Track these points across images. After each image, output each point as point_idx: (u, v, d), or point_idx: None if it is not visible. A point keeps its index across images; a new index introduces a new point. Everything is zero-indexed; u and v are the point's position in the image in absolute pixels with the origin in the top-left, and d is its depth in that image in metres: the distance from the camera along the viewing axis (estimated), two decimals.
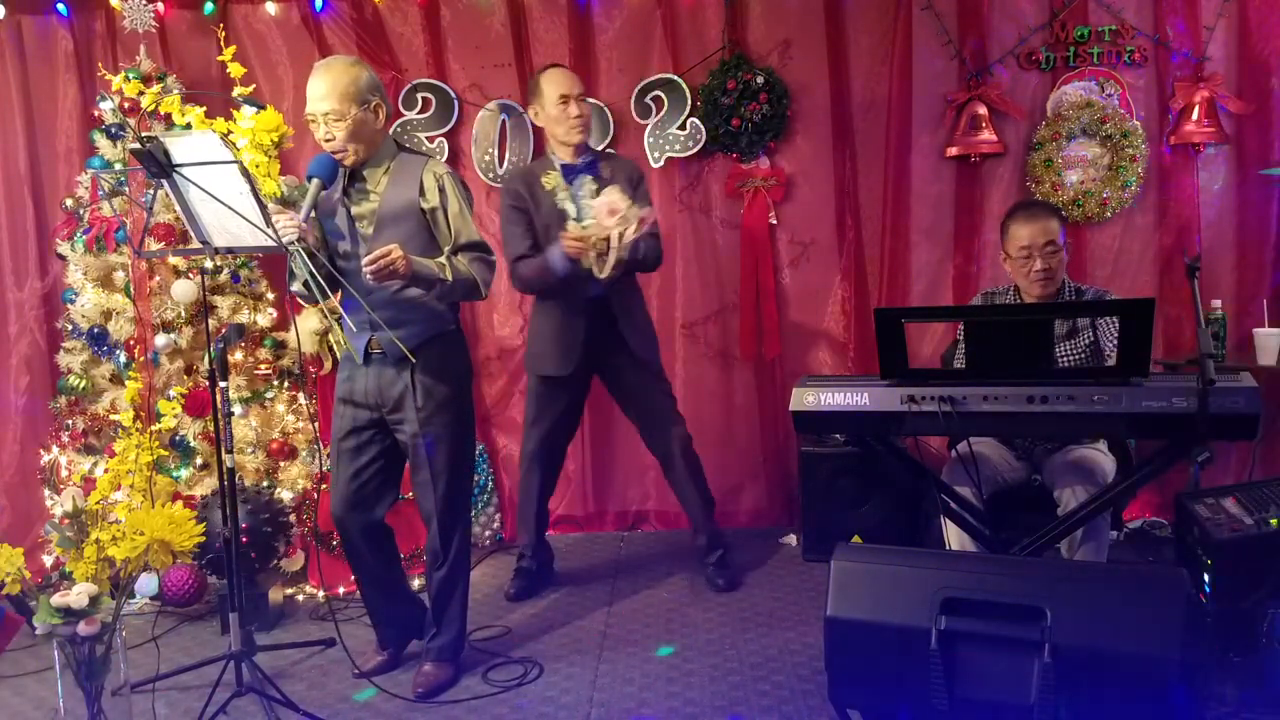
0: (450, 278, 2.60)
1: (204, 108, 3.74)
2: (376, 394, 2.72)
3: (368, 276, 2.46)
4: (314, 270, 2.46)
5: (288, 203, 3.58)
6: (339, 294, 2.74)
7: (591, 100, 4.04)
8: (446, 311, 2.75)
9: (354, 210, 2.66)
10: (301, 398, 3.77)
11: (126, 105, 3.64)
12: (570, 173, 3.30)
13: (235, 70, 3.74)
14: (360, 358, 2.71)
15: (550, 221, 3.25)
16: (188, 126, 3.61)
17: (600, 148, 4.06)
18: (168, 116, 3.65)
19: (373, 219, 2.64)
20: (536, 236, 3.28)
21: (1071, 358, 2.94)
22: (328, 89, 2.55)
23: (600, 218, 3.08)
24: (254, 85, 3.96)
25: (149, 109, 3.60)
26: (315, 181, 2.51)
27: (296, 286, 2.69)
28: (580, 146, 3.32)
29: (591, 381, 3.53)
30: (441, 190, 2.65)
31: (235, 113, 3.69)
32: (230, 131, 3.60)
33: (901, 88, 4.00)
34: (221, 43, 3.80)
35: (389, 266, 2.45)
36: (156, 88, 3.64)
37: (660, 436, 3.44)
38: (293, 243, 2.43)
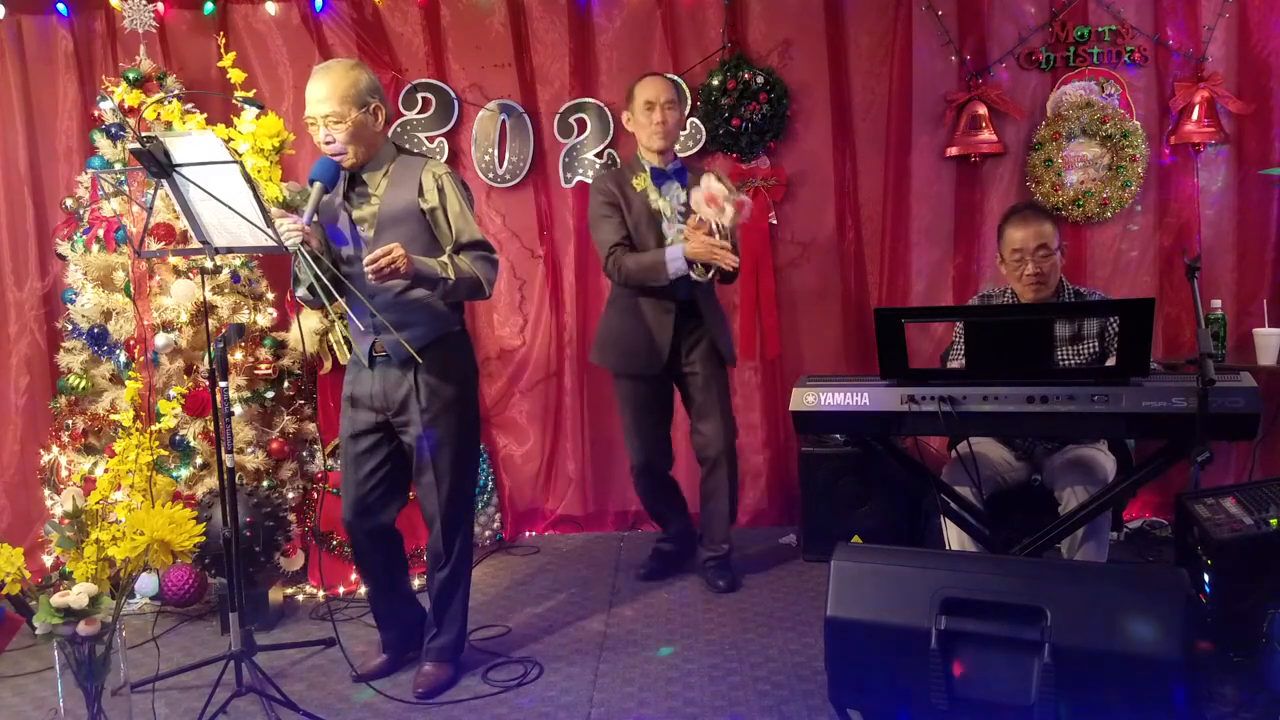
0: (453, 276, 2.59)
1: (204, 114, 3.74)
2: (382, 397, 2.72)
3: (370, 277, 2.46)
4: (319, 273, 2.46)
5: (290, 207, 3.58)
6: (345, 298, 2.74)
7: (591, 100, 4.06)
8: (451, 313, 2.74)
9: (355, 214, 2.65)
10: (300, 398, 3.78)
11: (126, 107, 3.64)
12: (659, 177, 3.35)
13: (236, 76, 3.73)
14: (366, 360, 2.71)
15: (640, 221, 3.30)
16: (187, 131, 3.61)
17: (599, 149, 4.06)
18: (168, 125, 3.65)
19: (374, 221, 2.64)
20: (629, 233, 3.32)
21: (1075, 362, 2.94)
22: (328, 91, 2.54)
23: (699, 207, 3.09)
24: (254, 88, 3.97)
25: (149, 118, 3.60)
26: (317, 185, 2.50)
27: (302, 291, 2.69)
28: (666, 152, 3.35)
29: (673, 386, 3.53)
30: (441, 190, 2.65)
31: (235, 118, 3.69)
32: (230, 139, 3.60)
33: (901, 88, 4.01)
34: (222, 48, 3.80)
35: (390, 266, 2.44)
36: (159, 95, 3.64)
37: (714, 434, 3.42)
38: (297, 246, 2.43)
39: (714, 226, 3.08)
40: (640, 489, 3.61)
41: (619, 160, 4.07)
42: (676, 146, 4.01)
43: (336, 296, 2.57)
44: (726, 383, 3.48)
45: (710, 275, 3.19)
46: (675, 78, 4.00)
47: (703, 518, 3.55)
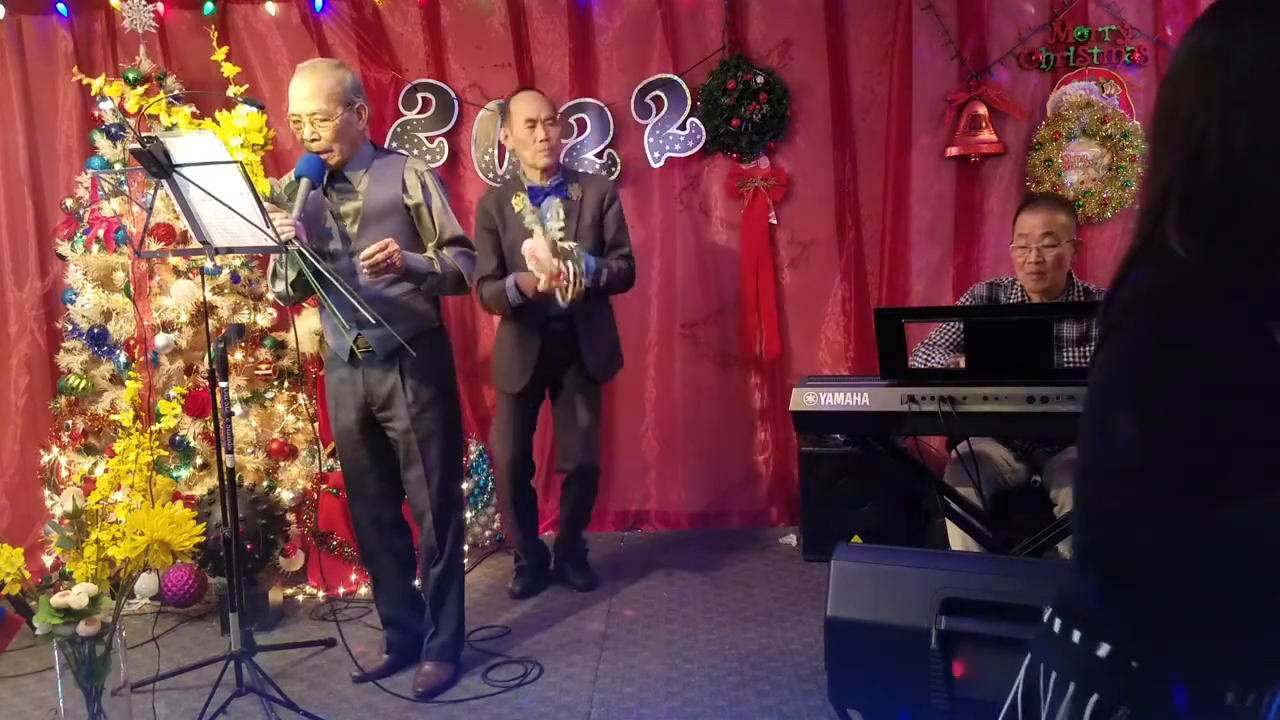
0: (440, 270, 2.64)
1: (191, 107, 3.74)
2: (365, 392, 2.74)
3: (364, 270, 2.48)
4: (319, 270, 2.47)
5: (276, 202, 3.58)
6: (331, 294, 2.74)
7: (591, 100, 4.06)
8: (431, 309, 2.78)
9: (338, 210, 2.68)
10: (301, 397, 3.77)
11: (103, 95, 3.64)
12: (537, 195, 3.29)
13: (229, 70, 3.72)
14: (347, 356, 2.72)
15: (516, 243, 3.24)
16: (173, 127, 3.61)
17: (599, 149, 4.06)
18: (153, 118, 3.65)
19: (357, 217, 2.67)
20: (503, 257, 3.30)
21: (1083, 364, 2.92)
22: (314, 89, 2.56)
23: (526, 255, 3.06)
24: (247, 85, 3.97)
25: (139, 111, 3.60)
26: (305, 181, 2.52)
27: (281, 288, 2.71)
28: (550, 169, 3.30)
29: (545, 394, 3.51)
30: (424, 187, 2.69)
31: (222, 114, 3.69)
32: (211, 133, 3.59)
33: (901, 88, 4.00)
34: (214, 42, 3.78)
35: (386, 260, 2.46)
36: (140, 89, 3.63)
37: (569, 448, 3.42)
38: (291, 242, 2.44)
39: (563, 275, 3.02)
40: (508, 491, 3.52)
41: (619, 160, 4.07)
42: (677, 146, 4.05)
43: (325, 292, 2.56)
44: (593, 398, 3.42)
45: (570, 299, 3.06)
46: (675, 77, 4.01)
47: (561, 527, 3.61)
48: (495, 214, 3.32)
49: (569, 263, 3.02)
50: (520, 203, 3.29)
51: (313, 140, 2.59)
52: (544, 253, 3.00)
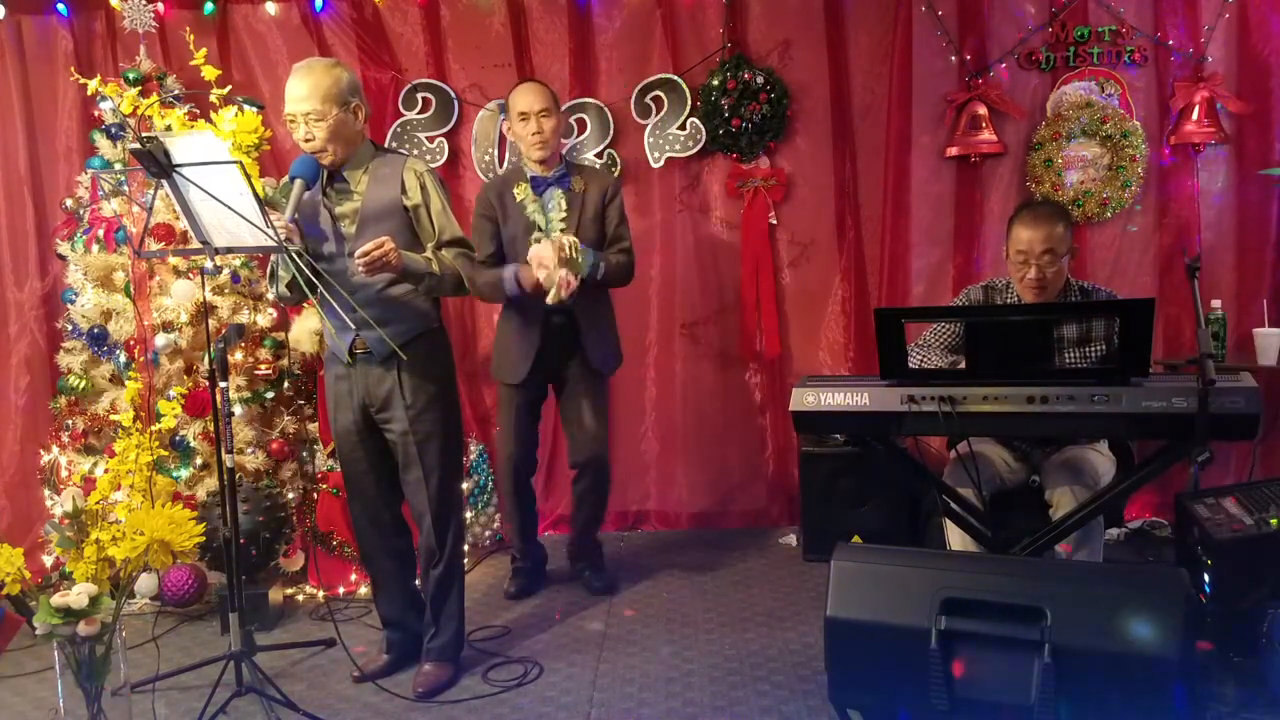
0: (438, 271, 2.63)
1: (191, 106, 3.73)
2: (364, 393, 2.74)
3: (360, 270, 2.47)
4: (315, 270, 2.46)
5: (271, 204, 3.58)
6: (317, 295, 2.74)
7: (591, 100, 4.06)
8: (430, 310, 2.77)
9: (336, 210, 2.67)
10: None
11: (109, 100, 3.64)
12: (540, 185, 3.29)
13: (209, 73, 3.68)
14: (345, 357, 2.72)
15: (518, 233, 3.25)
16: (168, 129, 3.61)
17: (599, 149, 4.06)
18: (149, 119, 3.65)
19: (355, 218, 2.66)
20: (501, 245, 3.29)
21: (1083, 365, 2.91)
22: (309, 89, 2.55)
23: (530, 258, 3.06)
24: (254, 87, 3.98)
25: (126, 111, 3.59)
26: (299, 182, 2.52)
27: (280, 289, 2.71)
28: (550, 160, 3.30)
29: (549, 390, 3.51)
30: (423, 188, 2.68)
31: (215, 115, 3.69)
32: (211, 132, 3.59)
33: (901, 88, 4.00)
34: (191, 45, 3.74)
35: (383, 259, 2.46)
36: (136, 90, 3.63)
37: (580, 440, 3.41)
38: (290, 245, 2.44)
39: (556, 277, 3.03)
40: (509, 487, 3.52)
41: (619, 160, 4.08)
42: (677, 146, 4.05)
43: (324, 293, 2.56)
44: (599, 390, 3.42)
45: (564, 299, 3.07)
46: (675, 77, 4.01)
47: (573, 522, 3.59)
48: (496, 202, 3.31)
49: (572, 269, 3.02)
50: (523, 192, 3.28)
51: (307, 140, 2.58)
52: (551, 261, 3.01)
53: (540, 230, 3.24)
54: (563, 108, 4.06)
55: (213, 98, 3.69)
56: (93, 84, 3.63)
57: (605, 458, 3.46)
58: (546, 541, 3.81)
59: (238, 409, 3.60)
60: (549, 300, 3.07)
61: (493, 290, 3.25)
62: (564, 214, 3.26)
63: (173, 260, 3.59)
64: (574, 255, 3.04)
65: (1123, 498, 2.76)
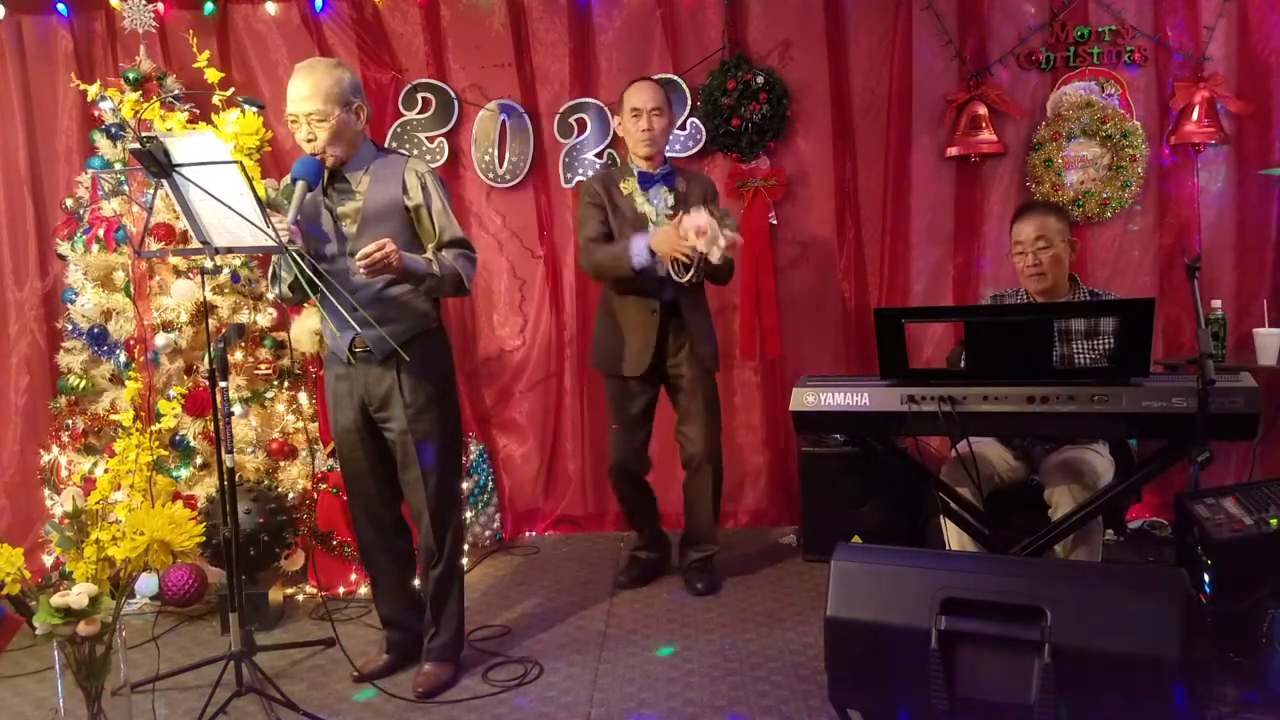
0: (439, 271, 2.63)
1: (191, 107, 3.74)
2: (364, 393, 2.74)
3: (360, 270, 2.48)
4: (314, 272, 2.46)
5: (272, 205, 3.58)
6: (318, 296, 2.74)
7: (591, 100, 4.06)
8: (430, 309, 2.77)
9: (337, 210, 2.67)
10: (302, 397, 3.77)
11: (109, 100, 3.64)
12: (647, 181, 3.35)
13: (212, 75, 3.70)
14: (345, 356, 2.72)
15: (626, 224, 3.30)
16: (168, 131, 3.61)
17: (599, 149, 4.06)
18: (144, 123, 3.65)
19: (356, 217, 2.66)
20: (611, 234, 3.32)
21: (1088, 356, 2.94)
22: (311, 90, 2.55)
23: (688, 234, 3.07)
24: (255, 87, 3.97)
25: (127, 115, 3.59)
26: (301, 184, 2.51)
27: (282, 289, 2.71)
28: (652, 158, 3.34)
29: (659, 388, 3.51)
30: (424, 188, 2.68)
31: (216, 117, 3.69)
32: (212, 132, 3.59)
33: (901, 88, 4.01)
34: (194, 46, 3.76)
35: (383, 260, 2.46)
36: (135, 94, 3.63)
37: (696, 437, 3.42)
38: (292, 244, 2.44)
39: (696, 250, 3.05)
40: (617, 490, 3.59)
41: (619, 160, 4.08)
42: (677, 146, 4.05)
43: (325, 293, 2.57)
44: (713, 386, 3.45)
45: (689, 278, 3.15)
46: (675, 77, 4.01)
47: (686, 519, 3.56)
48: (604, 193, 3.35)
49: (730, 232, 3.04)
50: (630, 186, 3.34)
51: (309, 141, 2.58)
52: (710, 225, 3.01)
53: (652, 223, 3.29)
54: (563, 107, 4.08)
55: (215, 99, 3.70)
56: (93, 89, 3.63)
57: (719, 455, 3.46)
58: (551, 540, 3.81)
59: (238, 409, 3.60)
60: (681, 279, 3.12)
61: (615, 263, 3.23)
62: (670, 210, 3.30)
63: (173, 260, 3.59)
64: (719, 215, 3.07)
65: (1123, 498, 2.76)
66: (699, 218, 3.04)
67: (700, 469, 3.44)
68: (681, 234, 3.06)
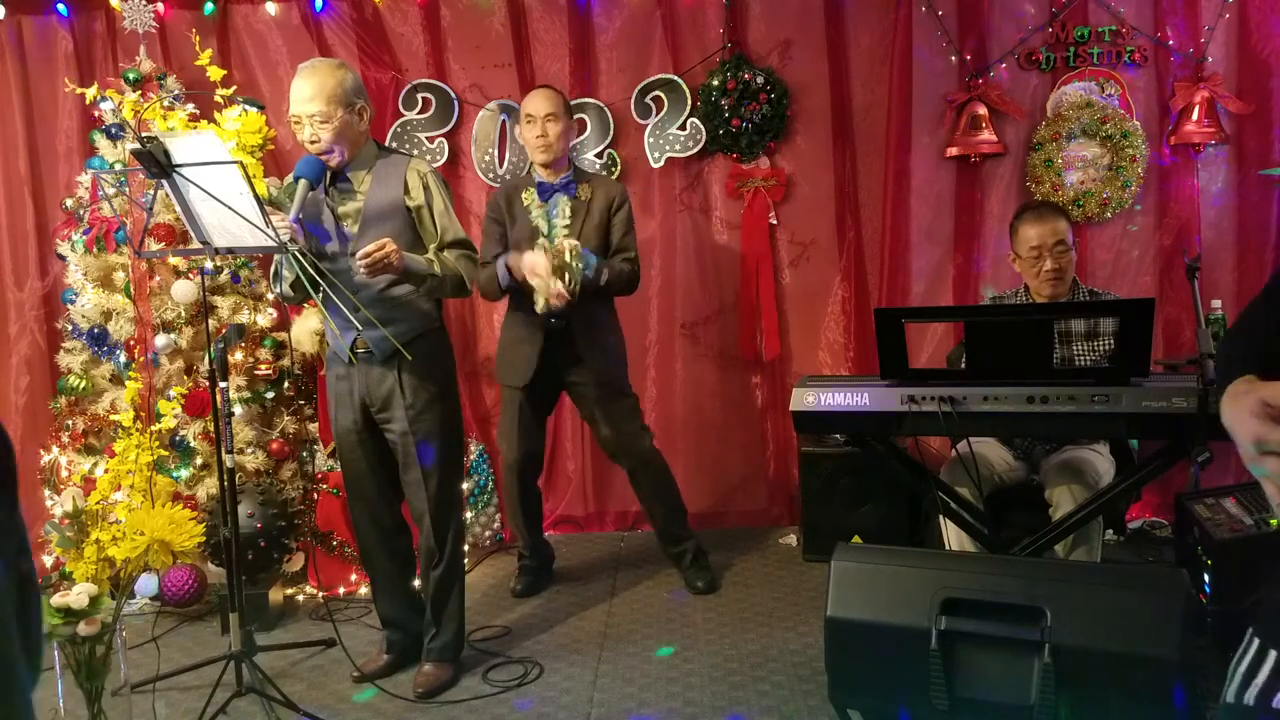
0: (440, 272, 2.63)
1: (191, 106, 3.74)
2: (364, 393, 2.74)
3: (361, 270, 2.48)
4: (314, 272, 2.47)
5: (273, 204, 3.59)
6: (319, 295, 2.74)
7: (591, 100, 4.06)
8: (432, 309, 2.77)
9: (339, 210, 2.67)
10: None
11: (109, 100, 3.65)
12: (545, 191, 3.29)
13: (215, 74, 3.71)
14: (346, 357, 2.72)
15: (522, 237, 3.25)
16: (170, 130, 3.61)
17: (599, 149, 4.06)
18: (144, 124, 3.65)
19: (358, 217, 2.66)
20: (506, 249, 3.29)
21: (1088, 358, 2.94)
22: (314, 91, 2.56)
23: (525, 270, 3.05)
24: (255, 87, 3.97)
25: (128, 116, 3.60)
26: (303, 183, 2.52)
27: (284, 289, 2.71)
28: (557, 165, 3.30)
29: (560, 396, 3.52)
30: (426, 188, 2.68)
31: (219, 115, 3.69)
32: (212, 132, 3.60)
33: (901, 88, 4.00)
34: (197, 45, 3.76)
35: (384, 260, 2.46)
36: (135, 96, 3.63)
37: (624, 451, 3.42)
38: (293, 246, 2.44)
39: (547, 282, 3.01)
40: (508, 488, 3.53)
41: (619, 160, 4.08)
42: (677, 149, 4.05)
43: (328, 293, 2.57)
44: (612, 394, 3.37)
45: (540, 307, 3.06)
46: (675, 77, 4.01)
47: (649, 521, 3.58)
48: (504, 206, 3.33)
49: (568, 276, 3.00)
50: (529, 197, 3.30)
51: (312, 141, 2.59)
52: (544, 269, 2.99)
53: (544, 236, 3.23)
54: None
55: (217, 98, 3.70)
56: (90, 93, 3.63)
57: (643, 453, 3.42)
58: (551, 540, 3.80)
59: (238, 409, 3.60)
60: (537, 309, 3.08)
61: (489, 283, 3.25)
62: (567, 221, 3.25)
63: (173, 260, 3.59)
64: (572, 260, 3.01)
65: (1123, 498, 2.76)
66: (536, 257, 3.00)
67: (634, 471, 3.45)
68: (527, 267, 3.04)
